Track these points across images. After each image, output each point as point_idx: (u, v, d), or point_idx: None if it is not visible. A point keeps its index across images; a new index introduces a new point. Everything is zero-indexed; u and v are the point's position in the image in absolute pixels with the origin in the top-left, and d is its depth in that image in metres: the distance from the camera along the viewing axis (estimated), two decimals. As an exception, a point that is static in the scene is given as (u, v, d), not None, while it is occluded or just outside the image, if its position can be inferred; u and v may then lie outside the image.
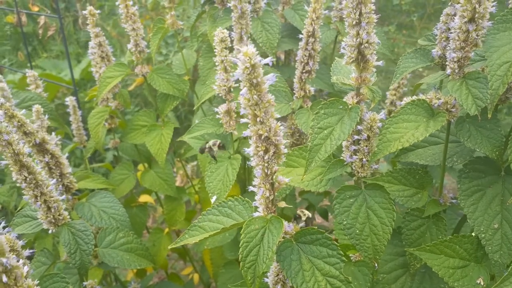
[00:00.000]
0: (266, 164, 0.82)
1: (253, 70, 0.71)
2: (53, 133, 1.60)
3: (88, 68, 4.13)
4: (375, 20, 0.93)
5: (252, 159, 0.83)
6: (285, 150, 0.82)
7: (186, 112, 4.08)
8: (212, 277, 2.08)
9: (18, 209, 1.54)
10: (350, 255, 1.26)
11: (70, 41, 4.82)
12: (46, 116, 1.65)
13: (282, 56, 2.02)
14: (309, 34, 1.29)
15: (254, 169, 0.85)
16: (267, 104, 0.75)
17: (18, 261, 0.74)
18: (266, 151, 0.80)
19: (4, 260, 0.69)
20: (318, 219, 2.97)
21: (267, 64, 0.75)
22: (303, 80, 1.39)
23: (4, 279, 0.71)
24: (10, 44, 4.64)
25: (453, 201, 1.25)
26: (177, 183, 2.72)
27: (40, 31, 2.78)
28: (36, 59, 4.44)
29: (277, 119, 0.81)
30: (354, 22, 0.92)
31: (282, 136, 0.80)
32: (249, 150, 0.82)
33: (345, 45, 0.96)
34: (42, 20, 2.76)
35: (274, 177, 0.85)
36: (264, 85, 0.73)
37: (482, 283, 1.06)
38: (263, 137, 0.79)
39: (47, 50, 4.78)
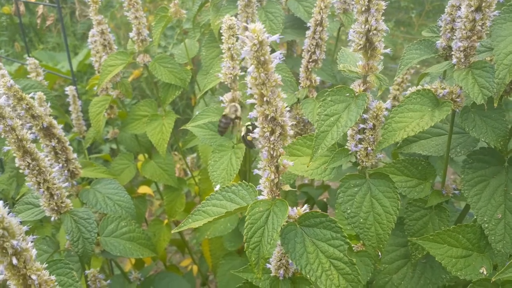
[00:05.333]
0: (272, 146, 0.82)
1: (261, 47, 0.71)
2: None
3: (85, 60, 4.11)
4: (384, 7, 0.93)
5: (258, 141, 0.83)
6: (291, 132, 0.82)
7: (184, 106, 4.07)
8: (211, 269, 2.08)
9: (19, 196, 1.53)
10: (353, 245, 1.26)
11: (67, 33, 4.78)
12: (49, 104, 1.64)
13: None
14: (317, 23, 1.29)
15: (260, 152, 0.85)
16: (274, 83, 0.75)
17: (27, 244, 0.73)
18: (272, 132, 0.80)
19: (14, 242, 0.69)
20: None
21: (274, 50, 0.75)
22: (309, 69, 1.39)
23: (14, 261, 0.71)
24: (6, 35, 4.61)
25: (456, 192, 1.25)
26: (175, 176, 2.71)
27: (38, 21, 2.76)
28: (32, 50, 4.41)
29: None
30: (363, 9, 0.92)
31: (288, 117, 0.80)
32: (256, 132, 0.82)
33: (353, 32, 0.96)
34: (40, 9, 2.74)
35: (279, 160, 0.85)
36: (271, 64, 0.73)
37: (484, 272, 1.07)
38: (269, 117, 0.79)
39: (44, 42, 4.75)
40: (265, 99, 0.77)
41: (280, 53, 0.76)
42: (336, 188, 2.19)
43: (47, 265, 1.09)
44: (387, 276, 1.28)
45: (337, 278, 0.85)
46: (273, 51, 0.77)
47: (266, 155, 0.84)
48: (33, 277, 0.78)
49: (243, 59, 1.51)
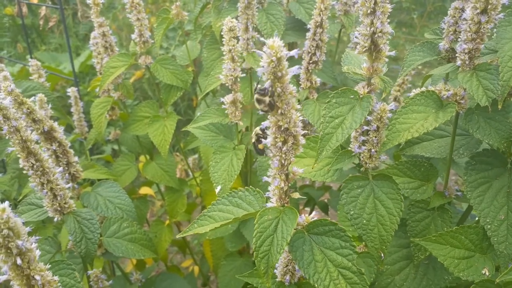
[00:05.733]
0: (283, 155, 0.80)
1: (279, 63, 0.69)
2: (55, 122, 1.59)
3: (87, 61, 4.10)
4: (390, 10, 0.93)
5: (269, 149, 0.82)
6: (303, 141, 0.81)
7: (186, 107, 4.07)
8: (212, 269, 2.08)
9: (21, 197, 1.53)
10: (355, 246, 1.26)
11: (69, 34, 4.79)
12: (49, 106, 1.64)
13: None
14: (317, 24, 1.29)
15: (270, 160, 0.84)
16: (289, 95, 0.74)
17: (31, 244, 0.73)
18: (285, 142, 0.79)
19: (19, 242, 0.69)
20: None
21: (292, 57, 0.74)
22: (310, 71, 1.39)
23: (19, 261, 0.71)
24: (8, 36, 4.61)
25: (458, 193, 1.25)
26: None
27: (41, 22, 2.76)
28: (34, 51, 4.41)
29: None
30: (368, 11, 0.92)
31: (300, 127, 0.79)
32: (267, 141, 0.81)
33: (358, 34, 0.96)
34: (43, 11, 2.74)
35: (289, 168, 0.85)
36: (287, 76, 0.72)
37: (487, 273, 1.07)
38: (282, 128, 0.77)
39: (46, 43, 4.76)
40: (279, 111, 0.75)
41: (298, 67, 0.75)
42: (337, 189, 2.19)
43: (50, 265, 1.10)
44: (389, 277, 1.28)
45: (345, 288, 0.85)
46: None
47: (277, 164, 0.83)
48: (37, 277, 0.79)
49: (244, 61, 1.51)
